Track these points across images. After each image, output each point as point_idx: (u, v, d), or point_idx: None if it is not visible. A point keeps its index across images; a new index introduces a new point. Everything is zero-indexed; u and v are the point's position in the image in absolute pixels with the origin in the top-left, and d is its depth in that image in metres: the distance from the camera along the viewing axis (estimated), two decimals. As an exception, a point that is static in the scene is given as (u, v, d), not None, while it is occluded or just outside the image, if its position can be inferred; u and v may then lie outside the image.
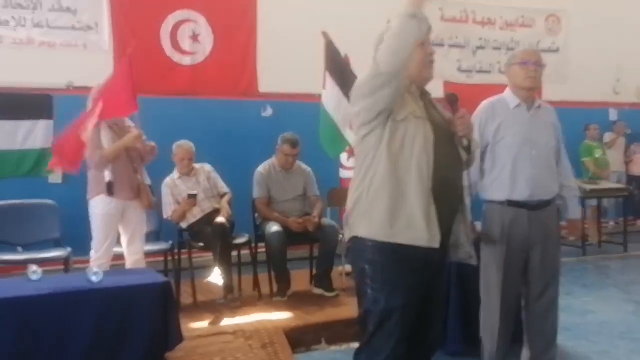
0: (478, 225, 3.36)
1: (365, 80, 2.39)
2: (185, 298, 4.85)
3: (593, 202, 7.56)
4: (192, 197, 4.88)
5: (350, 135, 5.29)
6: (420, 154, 2.36)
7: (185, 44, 6.56)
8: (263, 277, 5.08)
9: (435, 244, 2.37)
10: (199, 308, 4.69)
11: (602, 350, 4.00)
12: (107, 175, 4.05)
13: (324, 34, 5.40)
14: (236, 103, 6.65)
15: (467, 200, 2.81)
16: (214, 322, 4.31)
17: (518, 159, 3.22)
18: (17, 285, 3.44)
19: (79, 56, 6.08)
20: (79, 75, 5.94)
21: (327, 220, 5.24)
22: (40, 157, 5.98)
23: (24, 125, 5.95)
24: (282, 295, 4.93)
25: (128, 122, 4.31)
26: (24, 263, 4.51)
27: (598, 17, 8.25)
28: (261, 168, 5.29)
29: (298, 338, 4.15)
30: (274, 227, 4.99)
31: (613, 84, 8.74)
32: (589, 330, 4.38)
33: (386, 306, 2.37)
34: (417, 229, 2.34)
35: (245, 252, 5.20)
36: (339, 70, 5.39)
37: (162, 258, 5.10)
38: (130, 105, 4.11)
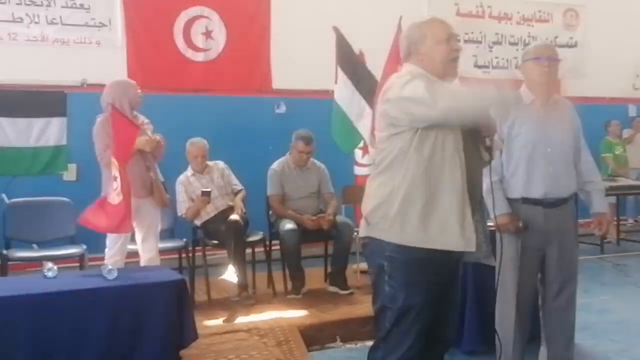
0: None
1: (415, 104, 2.27)
2: (200, 296, 4.84)
3: (612, 199, 7.46)
4: (206, 194, 4.87)
5: (364, 130, 5.26)
6: (453, 158, 2.32)
7: (199, 40, 6.54)
8: (277, 275, 5.06)
9: (472, 247, 2.35)
10: (213, 306, 4.68)
11: (622, 349, 3.96)
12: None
13: (335, 29, 5.37)
14: (250, 100, 6.63)
15: (489, 199, 2.77)
16: (228, 320, 4.29)
17: (532, 156, 3.17)
18: (33, 282, 3.45)
19: (92, 53, 6.09)
20: (92, 72, 5.95)
21: (341, 218, 5.21)
22: (54, 155, 6.00)
23: (38, 122, 5.97)
24: (297, 293, 4.91)
25: (142, 119, 4.29)
26: (40, 260, 4.55)
27: (617, 11, 8.14)
28: (275, 165, 5.27)
29: (313, 336, 4.14)
30: (288, 225, 4.97)
31: (632, 79, 8.63)
32: (607, 329, 4.34)
33: (404, 304, 2.34)
34: (452, 234, 2.31)
35: (259, 249, 5.19)
36: (351, 65, 5.37)
37: (176, 256, 5.10)
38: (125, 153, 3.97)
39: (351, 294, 4.93)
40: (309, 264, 5.22)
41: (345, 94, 5.37)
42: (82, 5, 6.10)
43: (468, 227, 2.32)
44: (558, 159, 3.19)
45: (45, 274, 3.46)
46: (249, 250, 4.99)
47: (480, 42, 7.80)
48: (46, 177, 5.94)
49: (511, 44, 7.93)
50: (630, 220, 8.53)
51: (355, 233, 5.08)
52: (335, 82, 5.44)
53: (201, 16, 6.55)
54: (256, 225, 5.20)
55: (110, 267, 3.50)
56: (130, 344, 3.30)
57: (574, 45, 8.21)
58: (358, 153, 5.99)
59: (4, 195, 5.52)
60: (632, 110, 8.67)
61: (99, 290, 3.30)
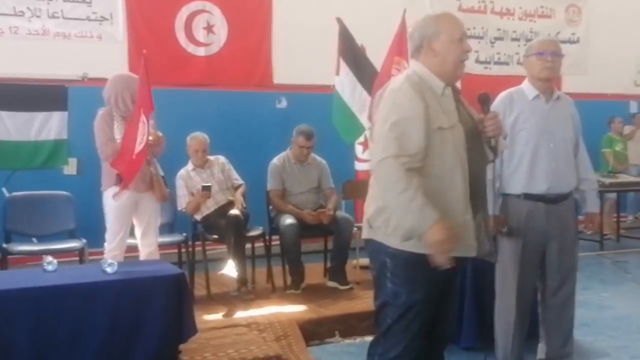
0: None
1: (376, 144, 2.33)
2: (199, 290, 4.85)
3: (612, 195, 7.47)
4: (207, 189, 4.87)
5: (366, 122, 5.28)
6: (454, 166, 2.30)
7: (200, 35, 6.54)
8: (277, 270, 5.06)
9: (473, 252, 2.34)
10: (212, 300, 4.69)
11: (621, 346, 3.96)
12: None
13: (339, 20, 5.37)
14: (251, 95, 6.63)
15: (490, 195, 2.77)
16: (227, 315, 4.30)
17: (536, 151, 3.18)
18: (33, 276, 3.44)
19: (93, 47, 6.08)
20: (93, 66, 5.95)
21: (342, 213, 5.21)
22: (55, 149, 6.00)
23: (39, 116, 5.96)
24: (296, 288, 4.91)
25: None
26: (39, 254, 4.54)
27: (619, 7, 8.12)
28: (276, 160, 5.27)
29: (312, 331, 4.15)
30: (288, 220, 4.97)
31: (634, 76, 8.59)
32: (607, 326, 4.34)
33: (407, 300, 2.35)
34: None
35: (259, 244, 5.19)
36: (353, 56, 5.37)
37: (176, 250, 5.10)
38: (147, 106, 4.07)
39: (350, 289, 4.93)
40: (308, 259, 5.22)
41: (347, 85, 5.38)
42: (83, 0, 6.08)
43: (469, 234, 2.31)
44: (561, 155, 3.20)
45: (45, 267, 3.46)
46: (248, 245, 4.99)
47: (482, 38, 7.78)
48: (46, 171, 5.95)
49: (513, 39, 7.90)
50: (630, 217, 8.52)
51: (356, 229, 5.09)
52: (337, 74, 5.44)
53: (203, 11, 6.54)
54: (256, 220, 5.21)
55: (110, 261, 3.50)
56: (129, 338, 3.29)
57: (576, 41, 8.19)
58: (358, 148, 5.98)
59: (4, 189, 5.53)
60: (633, 107, 8.65)
61: (98, 284, 3.30)
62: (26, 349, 3.10)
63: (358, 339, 4.14)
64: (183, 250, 5.08)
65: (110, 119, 4.10)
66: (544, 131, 3.20)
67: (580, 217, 3.45)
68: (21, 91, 5.88)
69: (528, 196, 3.20)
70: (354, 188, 5.59)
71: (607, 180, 6.97)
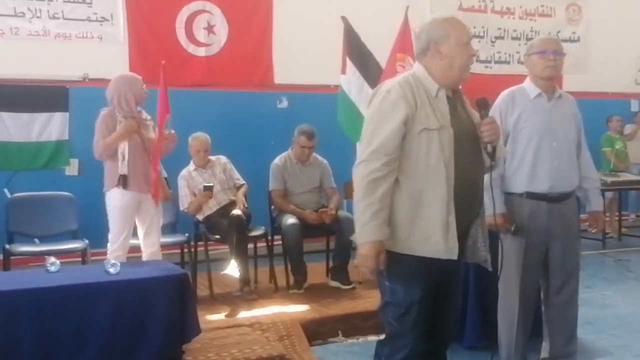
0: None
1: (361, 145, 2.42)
2: (202, 290, 4.85)
3: (609, 194, 7.46)
4: (209, 189, 4.87)
5: None
6: (438, 167, 2.31)
7: (201, 35, 6.53)
8: (279, 269, 5.07)
9: (454, 255, 2.34)
10: (215, 300, 4.69)
11: (624, 344, 3.96)
12: (121, 169, 4.04)
13: (343, 19, 5.36)
14: (252, 95, 6.62)
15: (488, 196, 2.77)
16: (230, 315, 4.30)
17: (538, 150, 3.17)
18: (36, 276, 3.44)
19: (94, 48, 6.08)
20: (94, 67, 5.95)
21: (343, 213, 5.21)
22: (56, 150, 6.00)
23: (40, 117, 5.96)
24: (299, 288, 4.91)
25: (144, 115, 4.29)
26: (42, 255, 4.55)
27: (620, 6, 8.12)
28: (277, 160, 5.27)
29: (315, 331, 4.15)
30: (290, 220, 4.97)
31: (635, 74, 8.59)
32: (609, 324, 4.34)
33: (405, 299, 2.35)
34: (434, 242, 2.31)
35: (261, 244, 5.19)
36: (360, 55, 5.36)
37: (178, 250, 5.11)
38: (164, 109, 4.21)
39: (353, 288, 4.93)
40: (310, 259, 5.21)
41: (354, 84, 5.37)
42: (84, 0, 6.08)
43: (451, 237, 2.32)
44: (563, 153, 3.19)
45: (48, 268, 3.46)
46: (251, 245, 5.00)
47: (482, 37, 7.77)
48: (48, 172, 5.95)
49: (513, 38, 7.90)
50: (632, 216, 8.51)
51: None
52: (343, 72, 5.43)
53: (203, 11, 6.54)
54: (258, 220, 5.21)
55: (113, 261, 3.50)
56: (132, 338, 3.30)
57: (577, 40, 8.18)
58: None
59: (6, 190, 5.53)
60: (634, 105, 8.65)
61: (101, 284, 3.30)
62: (29, 349, 3.10)
63: (361, 339, 4.14)
64: (185, 250, 5.09)
65: (111, 120, 4.10)
66: (546, 130, 3.19)
67: (583, 216, 3.45)
68: (22, 92, 5.88)
69: (530, 195, 3.19)
70: (356, 188, 5.56)
71: (609, 179, 6.97)
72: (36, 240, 5.18)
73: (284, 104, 6.82)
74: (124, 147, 4.04)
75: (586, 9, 8.24)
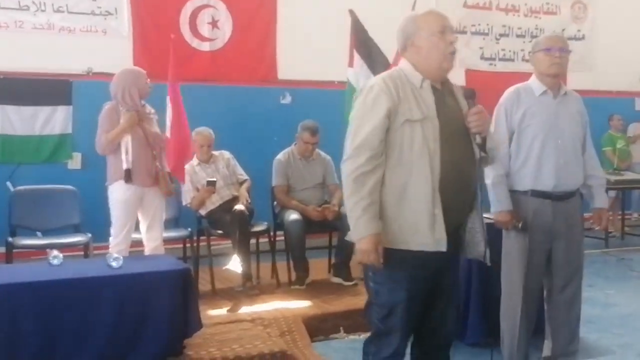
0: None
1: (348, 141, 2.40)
2: (204, 285, 4.84)
3: (612, 193, 7.44)
4: (212, 184, 4.87)
5: None
6: (421, 158, 2.30)
7: (205, 30, 6.52)
8: (281, 265, 5.06)
9: (442, 247, 2.33)
10: (217, 296, 4.69)
11: (626, 343, 3.96)
12: (125, 163, 4.03)
13: (351, 12, 5.35)
14: (255, 90, 6.60)
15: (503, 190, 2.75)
16: (232, 310, 4.30)
17: (543, 148, 3.17)
18: (39, 270, 3.45)
19: (98, 42, 6.06)
20: (98, 61, 5.93)
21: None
22: (59, 143, 5.99)
23: (44, 111, 5.95)
24: (301, 284, 4.91)
25: (149, 109, 4.29)
26: (44, 248, 4.55)
27: (625, 4, 8.07)
28: (281, 156, 5.26)
29: (316, 327, 4.15)
30: (293, 216, 4.96)
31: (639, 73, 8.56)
32: (612, 323, 4.34)
33: (388, 300, 2.36)
34: (422, 234, 2.31)
35: (264, 240, 5.19)
36: (367, 49, 5.34)
37: (181, 245, 5.11)
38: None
39: (355, 285, 4.92)
40: (313, 255, 5.21)
41: (362, 77, 5.36)
42: (88, -6, 6.08)
43: (439, 228, 2.31)
44: (568, 151, 3.19)
45: (51, 261, 3.47)
46: (253, 241, 5.00)
47: (487, 34, 7.72)
48: (51, 165, 5.94)
49: (518, 36, 7.86)
50: (635, 215, 8.49)
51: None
52: (351, 65, 5.41)
53: (207, 5, 6.52)
54: (261, 215, 5.20)
55: (115, 255, 3.50)
56: (134, 332, 3.30)
57: (582, 38, 8.15)
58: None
59: (9, 183, 5.53)
60: (638, 104, 8.61)
61: (104, 278, 3.31)
62: (32, 342, 3.11)
63: (362, 335, 4.08)
64: (188, 245, 5.08)
65: (115, 114, 4.10)
66: (551, 127, 3.18)
67: (587, 214, 3.44)
68: (26, 85, 5.87)
69: (535, 193, 3.19)
70: (359, 184, 5.55)
71: (612, 178, 6.95)
72: (38, 233, 5.18)
73: (288, 99, 6.80)
74: (127, 141, 4.04)
75: (591, 6, 8.20)
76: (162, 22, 6.31)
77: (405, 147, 2.31)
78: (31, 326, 3.10)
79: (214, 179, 4.91)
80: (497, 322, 3.38)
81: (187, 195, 4.98)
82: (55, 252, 3.51)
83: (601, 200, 3.38)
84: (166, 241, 4.48)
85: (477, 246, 2.45)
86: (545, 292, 3.37)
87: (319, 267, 5.24)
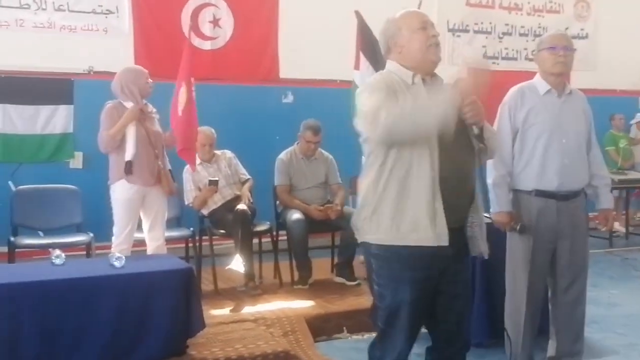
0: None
1: (362, 120, 2.34)
2: (206, 285, 4.83)
3: (621, 193, 7.42)
4: (214, 183, 4.85)
5: None
6: (421, 151, 2.28)
7: (206, 28, 6.50)
8: (284, 265, 5.05)
9: (444, 242, 2.31)
10: (219, 295, 4.68)
11: (630, 343, 3.95)
12: (128, 155, 4.02)
13: (357, 14, 5.34)
14: (257, 89, 6.59)
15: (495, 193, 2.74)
16: (235, 310, 4.29)
17: (548, 147, 3.15)
18: (42, 269, 3.44)
19: (99, 41, 6.04)
20: (99, 60, 5.92)
21: (349, 209, 5.17)
22: (61, 142, 5.97)
23: (45, 110, 5.94)
24: (303, 283, 4.89)
25: (150, 108, 4.28)
26: (46, 248, 4.55)
27: (628, 3, 8.04)
28: (283, 155, 5.25)
29: (320, 326, 4.14)
30: (295, 215, 4.95)
31: (644, 72, 8.54)
32: (616, 323, 4.32)
33: (392, 302, 2.34)
34: (422, 229, 2.29)
35: (266, 239, 5.18)
36: (373, 50, 5.32)
37: (183, 245, 5.10)
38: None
39: (358, 285, 4.91)
40: (315, 255, 5.19)
41: (368, 79, 5.33)
42: (89, -8, 6.06)
43: (440, 222, 2.29)
44: (573, 151, 3.17)
45: (53, 261, 3.45)
46: (255, 240, 4.98)
47: (489, 33, 7.69)
48: (52, 164, 5.92)
49: (521, 34, 7.83)
50: (639, 214, 8.47)
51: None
52: (357, 68, 5.40)
53: (209, 4, 6.50)
54: (263, 215, 5.19)
55: (118, 254, 3.49)
56: (137, 331, 3.29)
57: (585, 37, 8.12)
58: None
59: (10, 183, 5.51)
60: (641, 103, 8.61)
61: (107, 277, 3.30)
62: (34, 341, 3.09)
63: (366, 335, 4.11)
64: (190, 244, 5.07)
65: (116, 112, 4.10)
66: (555, 127, 3.16)
67: (592, 214, 3.42)
68: (27, 84, 5.85)
69: (539, 193, 3.17)
70: (362, 184, 5.54)
71: (616, 177, 6.93)
72: (40, 233, 5.17)
73: (290, 98, 6.79)
74: (131, 135, 4.02)
75: (595, 5, 8.17)
76: (163, 21, 6.30)
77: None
78: (33, 325, 3.09)
79: (216, 179, 4.89)
80: (501, 323, 3.37)
81: (189, 195, 4.97)
82: (57, 252, 3.50)
83: (607, 200, 3.35)
84: (168, 241, 4.47)
85: (477, 242, 2.43)
86: (549, 292, 3.36)
87: (321, 267, 5.23)
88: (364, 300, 4.50)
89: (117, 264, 3.40)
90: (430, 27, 2.42)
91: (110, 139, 4.03)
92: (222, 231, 4.92)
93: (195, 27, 6.36)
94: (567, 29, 7.83)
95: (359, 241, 2.47)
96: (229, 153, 5.22)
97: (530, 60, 7.38)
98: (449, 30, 7.40)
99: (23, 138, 5.85)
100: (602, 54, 8.02)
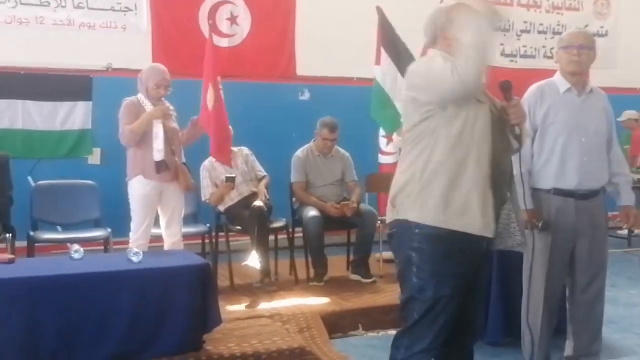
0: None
1: (438, 82, 2.25)
2: (222, 281, 4.85)
3: (638, 193, 7.32)
4: (231, 180, 4.87)
5: None
6: (481, 139, 2.30)
7: (224, 26, 6.52)
8: (300, 262, 5.05)
9: (489, 233, 2.33)
10: (235, 291, 4.70)
11: (649, 344, 3.90)
12: (157, 154, 4.04)
13: (378, 9, 5.34)
14: (274, 86, 6.60)
15: (520, 189, 2.73)
16: (251, 306, 4.30)
17: (567, 145, 3.12)
18: (61, 263, 3.47)
19: (118, 38, 6.09)
20: (117, 57, 5.97)
21: (365, 206, 5.18)
22: (79, 139, 6.03)
23: (64, 106, 5.99)
24: (319, 280, 4.90)
25: (167, 105, 4.31)
26: (65, 242, 4.59)
27: (649, -1, 7.95)
28: (299, 152, 5.25)
29: (335, 323, 4.14)
30: (311, 212, 4.95)
31: (664, 70, 8.43)
32: (634, 323, 4.28)
33: (433, 295, 2.33)
34: (472, 215, 2.29)
35: (282, 236, 5.19)
36: (394, 46, 5.32)
37: (199, 241, 5.12)
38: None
39: (374, 282, 4.91)
40: (331, 252, 5.20)
41: (388, 75, 5.35)
42: (108, -10, 6.11)
43: (488, 212, 2.31)
44: (592, 149, 3.14)
45: (72, 255, 3.48)
46: (271, 237, 4.99)
47: (507, 30, 7.63)
48: (71, 160, 5.98)
49: (540, 32, 7.75)
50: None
51: (379, 222, 5.06)
52: (378, 63, 5.40)
53: (226, 1, 6.52)
54: (279, 212, 5.20)
55: (135, 250, 3.51)
56: (154, 326, 3.30)
57: (605, 35, 8.02)
58: (382, 141, 5.94)
59: (30, 178, 5.57)
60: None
61: (124, 272, 3.31)
62: (52, 335, 3.12)
63: (381, 332, 4.12)
64: (206, 241, 5.10)
65: (134, 108, 4.14)
66: (575, 125, 3.13)
67: (614, 213, 3.39)
68: (47, 81, 5.91)
69: (558, 191, 3.14)
70: (378, 181, 5.55)
71: (636, 176, 6.85)
72: (59, 227, 5.22)
73: (306, 95, 6.79)
74: (158, 133, 4.04)
75: (615, 2, 8.07)
76: (181, 18, 6.33)
77: (468, 126, 2.29)
78: (52, 319, 3.11)
79: (233, 175, 4.91)
80: (517, 321, 3.35)
81: (206, 191, 4.99)
82: (76, 246, 3.53)
83: (628, 198, 3.32)
84: (185, 237, 4.49)
85: (512, 236, 2.43)
86: (567, 291, 3.33)
87: (337, 264, 5.23)
88: (379, 298, 4.51)
89: (134, 259, 3.42)
90: None
91: (130, 134, 4.06)
92: (238, 227, 4.93)
93: (212, 25, 6.38)
94: (586, 26, 7.74)
95: (388, 220, 2.44)
96: (245, 150, 5.24)
97: (549, 58, 7.32)
98: (468, 26, 7.35)
99: (42, 134, 5.92)
100: (622, 51, 7.92)
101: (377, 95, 5.44)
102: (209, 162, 5.05)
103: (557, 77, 3.24)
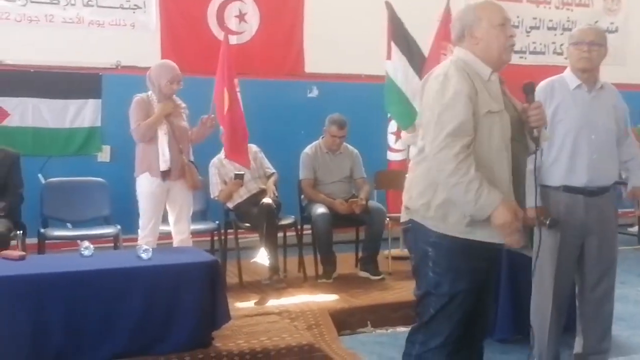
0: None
1: (428, 131, 2.31)
2: (231, 278, 4.86)
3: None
4: (239, 177, 4.88)
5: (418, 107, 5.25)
6: (499, 149, 2.29)
7: (232, 23, 6.52)
8: (308, 259, 5.06)
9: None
10: (244, 288, 4.71)
11: (658, 342, 3.88)
12: (163, 163, 4.08)
13: (387, 5, 5.33)
14: (282, 83, 6.60)
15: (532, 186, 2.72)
16: (259, 303, 4.31)
17: (576, 143, 3.10)
18: (71, 260, 3.48)
19: (127, 36, 6.10)
20: (127, 54, 5.98)
21: (374, 203, 5.18)
22: (89, 136, 6.05)
23: (74, 104, 6.01)
24: (328, 277, 4.90)
25: (178, 102, 4.32)
26: (75, 239, 4.62)
27: (660, -5, 7.89)
28: (308, 149, 5.26)
29: (344, 320, 4.15)
30: (320, 209, 4.96)
31: (676, 66, 8.36)
32: (644, 321, 4.25)
33: (450, 290, 2.34)
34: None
35: (291, 233, 5.19)
36: (404, 41, 5.33)
37: (208, 238, 5.14)
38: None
39: (382, 279, 4.92)
40: (340, 249, 5.20)
41: (400, 69, 5.35)
42: (117, -12, 6.12)
43: None
44: (602, 147, 3.12)
45: (82, 252, 3.50)
46: (280, 234, 5.00)
47: (517, 27, 7.58)
48: (81, 157, 6.00)
49: (549, 28, 7.70)
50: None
51: (387, 219, 5.06)
52: (389, 58, 5.40)
53: (235, -1, 6.53)
54: (288, 209, 5.20)
55: (145, 247, 3.53)
56: (163, 323, 3.32)
57: (615, 31, 7.96)
58: (391, 138, 5.93)
59: (40, 175, 5.61)
60: (673, 98, 8.42)
61: (134, 269, 3.33)
62: (61, 331, 3.14)
63: (390, 330, 4.12)
64: (215, 238, 5.11)
65: (144, 104, 4.15)
66: (585, 122, 3.12)
67: (625, 210, 3.38)
68: (56, 79, 5.93)
69: (567, 188, 3.13)
70: (387, 178, 5.55)
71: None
72: (69, 225, 5.25)
73: (315, 93, 6.79)
74: (163, 140, 4.06)
75: (625, -2, 8.03)
76: (190, 16, 6.34)
77: (485, 138, 2.28)
78: (62, 315, 3.14)
79: (242, 172, 4.92)
80: (526, 318, 3.34)
81: (215, 188, 5.01)
82: (86, 243, 3.55)
83: (638, 178, 3.31)
84: (194, 234, 4.51)
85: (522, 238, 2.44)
86: (577, 289, 3.32)
87: (346, 261, 5.24)
88: (388, 295, 4.52)
89: (144, 256, 3.43)
90: (508, 24, 2.39)
91: (148, 129, 4.07)
92: (247, 224, 4.95)
93: (221, 22, 6.39)
94: (596, 22, 7.68)
95: (408, 218, 2.44)
96: (254, 147, 5.24)
97: (559, 54, 7.28)
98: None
99: (52, 132, 5.94)
100: (633, 48, 7.86)
101: (390, 90, 5.44)
102: (217, 159, 5.07)
103: (568, 74, 3.22)
